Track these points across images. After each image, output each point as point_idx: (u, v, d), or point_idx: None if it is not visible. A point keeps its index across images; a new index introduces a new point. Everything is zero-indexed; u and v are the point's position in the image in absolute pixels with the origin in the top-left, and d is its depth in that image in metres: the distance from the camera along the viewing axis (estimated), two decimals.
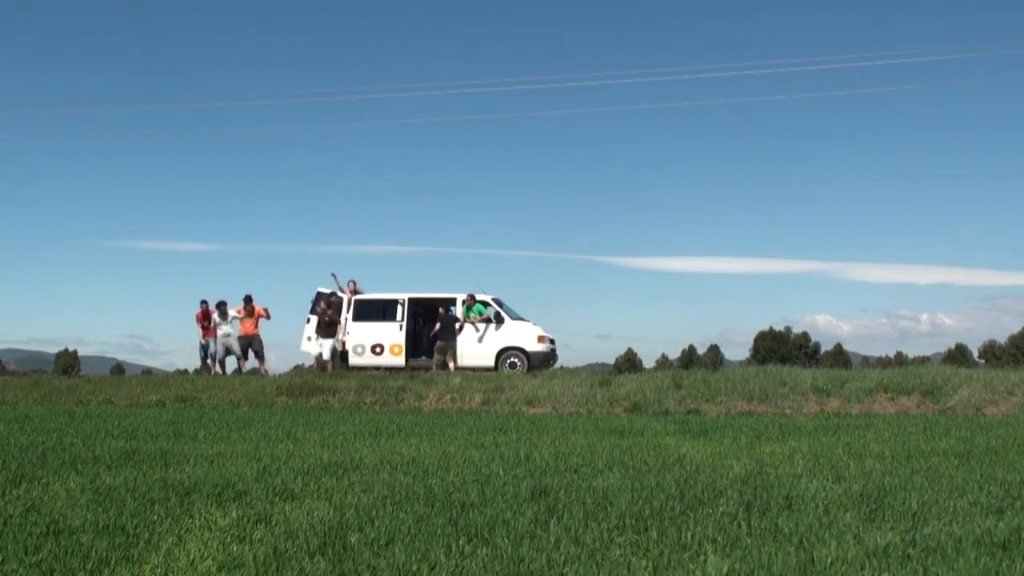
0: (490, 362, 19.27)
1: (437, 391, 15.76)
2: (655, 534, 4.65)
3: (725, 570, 4.02)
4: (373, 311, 19.97)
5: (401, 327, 19.68)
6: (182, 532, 4.79)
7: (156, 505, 5.47)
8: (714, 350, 79.56)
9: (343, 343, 19.77)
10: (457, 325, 19.55)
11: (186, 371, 21.57)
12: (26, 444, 8.64)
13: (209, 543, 4.52)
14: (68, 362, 74.51)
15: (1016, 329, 74.06)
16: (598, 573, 4.02)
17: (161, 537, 4.66)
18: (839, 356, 72.48)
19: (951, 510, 5.27)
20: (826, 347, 77.20)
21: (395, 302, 19.98)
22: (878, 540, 4.48)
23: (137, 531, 4.75)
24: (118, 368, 78.77)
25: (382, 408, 14.98)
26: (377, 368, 19.02)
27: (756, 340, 76.47)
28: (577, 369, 20.47)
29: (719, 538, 4.55)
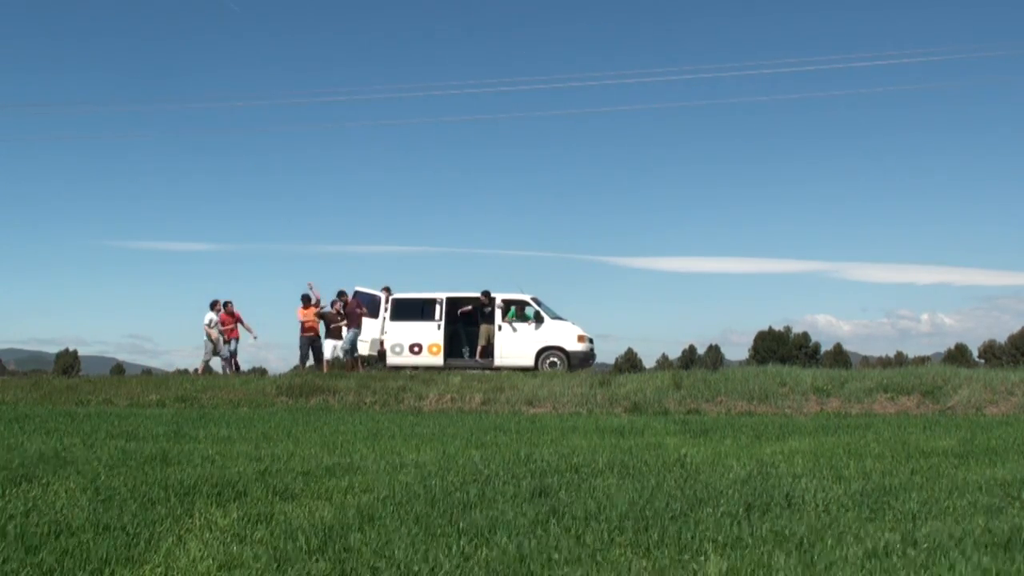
0: (530, 361, 19.10)
1: (437, 391, 15.77)
2: (656, 534, 4.65)
3: (725, 570, 4.02)
4: (411, 310, 19.84)
5: (439, 326, 19.56)
6: (182, 532, 4.79)
7: (156, 505, 5.47)
8: (714, 350, 79.41)
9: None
10: (498, 326, 19.44)
11: (186, 371, 21.58)
12: (26, 444, 8.64)
13: (209, 543, 4.52)
14: (68, 362, 74.40)
15: (1016, 329, 73.97)
16: (599, 573, 4.02)
17: (161, 537, 4.66)
18: (839, 356, 72.35)
19: (951, 510, 5.27)
20: (826, 347, 77.06)
21: (433, 301, 19.85)
22: (878, 540, 4.48)
23: (137, 531, 4.75)
24: (118, 368, 78.63)
25: (382, 408, 14.98)
26: (415, 368, 18.92)
27: (756, 340, 76.34)
28: (577, 369, 20.44)
29: (719, 538, 4.56)
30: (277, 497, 5.80)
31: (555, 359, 19.13)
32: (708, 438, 9.57)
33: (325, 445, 8.81)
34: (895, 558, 4.17)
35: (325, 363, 19.66)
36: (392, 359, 19.58)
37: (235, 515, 5.17)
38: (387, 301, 20.01)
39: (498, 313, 19.56)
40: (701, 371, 18.01)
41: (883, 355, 75.70)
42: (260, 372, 22.22)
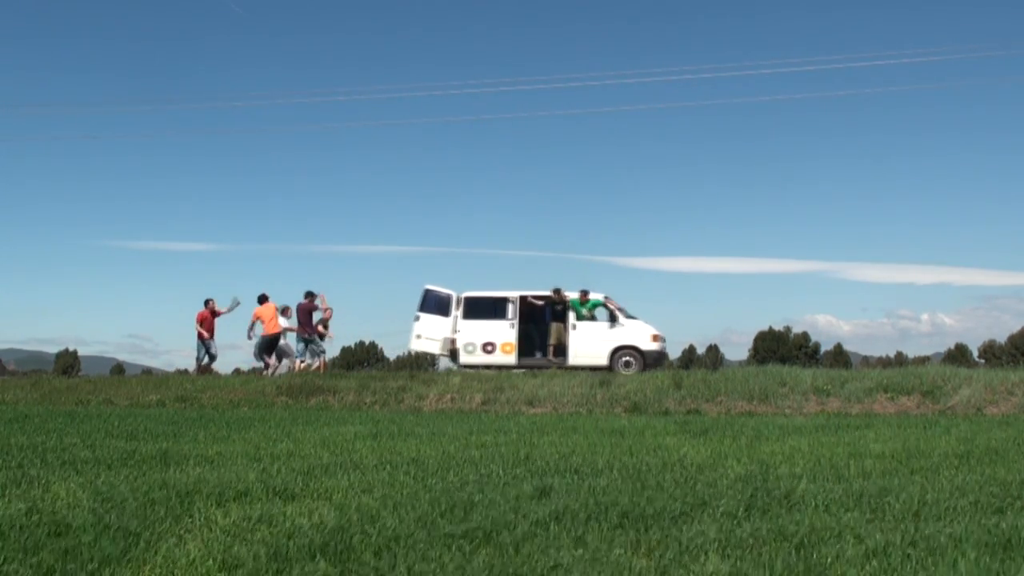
0: (604, 361, 18.79)
1: (437, 391, 15.77)
2: (656, 534, 4.65)
3: (726, 570, 4.02)
4: (484, 309, 19.65)
5: (512, 325, 19.33)
6: (182, 532, 4.79)
7: (156, 505, 5.46)
8: (714, 350, 79.51)
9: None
10: (572, 325, 19.13)
11: (186, 371, 21.59)
12: (26, 444, 8.64)
13: (210, 543, 4.52)
14: (68, 362, 74.53)
15: (1016, 329, 74.06)
16: (600, 574, 4.02)
17: (161, 537, 4.65)
18: (839, 356, 72.45)
19: (951, 510, 5.27)
20: (826, 347, 77.20)
21: (506, 300, 19.64)
22: (879, 540, 4.48)
23: (137, 531, 4.74)
24: (118, 368, 78.78)
25: (382, 408, 14.98)
26: (488, 367, 18.76)
27: (756, 340, 76.40)
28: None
29: (720, 538, 4.55)
30: (277, 497, 5.80)
31: (629, 359, 18.79)
32: (708, 438, 9.57)
33: (325, 445, 8.81)
34: (895, 558, 4.17)
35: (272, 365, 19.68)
36: (465, 358, 19.33)
37: (235, 515, 5.16)
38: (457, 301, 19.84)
39: (571, 313, 19.22)
40: (701, 371, 18.01)
41: (883, 355, 75.92)
42: (260, 372, 22.21)
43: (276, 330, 19.42)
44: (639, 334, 19.12)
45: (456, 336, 19.46)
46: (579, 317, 19.19)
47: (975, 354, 72.38)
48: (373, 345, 74.14)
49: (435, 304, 19.77)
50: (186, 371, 21.88)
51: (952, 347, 74.99)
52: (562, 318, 19.40)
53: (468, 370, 18.78)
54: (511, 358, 19.20)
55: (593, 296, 19.41)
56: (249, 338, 19.61)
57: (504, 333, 19.34)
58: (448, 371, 19.15)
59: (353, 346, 73.53)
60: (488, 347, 19.28)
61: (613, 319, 19.17)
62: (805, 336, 77.75)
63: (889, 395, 14.50)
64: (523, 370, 18.39)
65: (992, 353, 70.41)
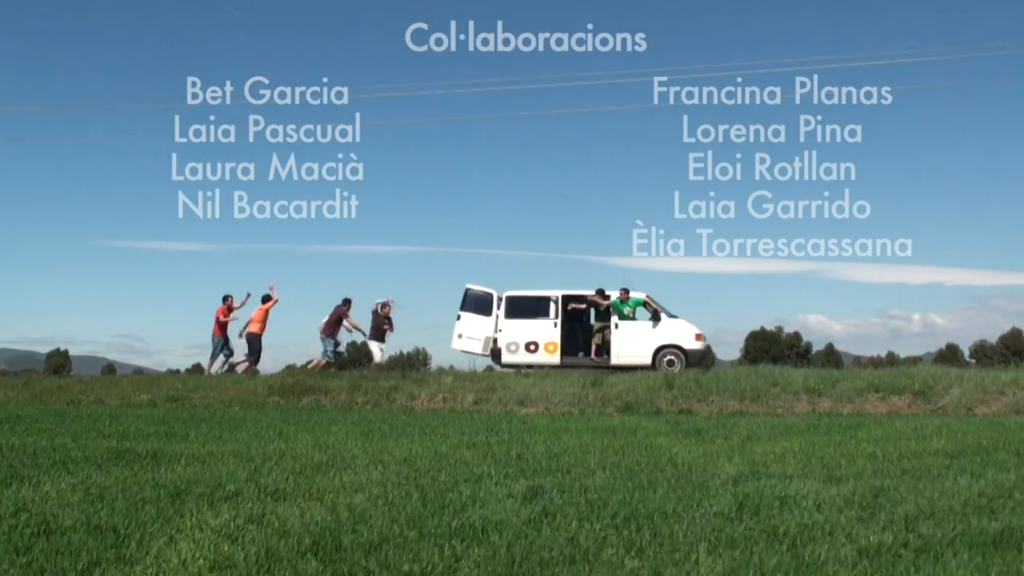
0: (647, 360, 18.70)
1: (429, 391, 15.74)
2: (648, 534, 4.65)
3: (718, 570, 4.02)
4: (526, 308, 19.52)
5: (556, 324, 19.26)
6: (173, 532, 4.77)
7: (147, 505, 5.44)
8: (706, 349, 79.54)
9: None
10: (614, 324, 19.05)
11: (178, 371, 21.55)
12: (17, 444, 8.59)
13: (201, 543, 4.50)
14: (59, 362, 74.07)
15: (1007, 329, 74.23)
16: (592, 574, 4.02)
17: (152, 537, 4.63)
18: (831, 356, 72.51)
19: (943, 510, 5.29)
20: (818, 347, 77.19)
21: (548, 299, 19.53)
22: (870, 540, 4.49)
23: (128, 531, 4.73)
24: (109, 368, 78.28)
25: (374, 408, 14.94)
26: (530, 366, 18.64)
27: (747, 340, 76.37)
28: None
29: (712, 538, 4.56)
30: (268, 497, 5.78)
31: (672, 357, 18.74)
32: (700, 438, 9.57)
33: (317, 445, 8.78)
34: (887, 558, 4.18)
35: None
36: (507, 357, 19.17)
37: (226, 515, 5.15)
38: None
39: (613, 312, 19.19)
40: (693, 371, 18.02)
41: (875, 355, 75.86)
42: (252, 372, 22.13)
43: (255, 330, 19.38)
44: (682, 333, 19.06)
45: (498, 335, 19.33)
46: (621, 316, 19.17)
47: (966, 354, 72.48)
48: (365, 345, 73.99)
49: (476, 303, 19.65)
50: (178, 371, 21.78)
51: (943, 347, 74.96)
52: (605, 318, 19.39)
53: (510, 369, 18.77)
54: (554, 358, 19.11)
55: (634, 295, 19.36)
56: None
57: (548, 332, 19.26)
58: (440, 371, 19.10)
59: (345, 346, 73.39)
60: (531, 346, 19.18)
61: (656, 318, 19.11)
62: (796, 336, 77.72)
63: (880, 395, 14.53)
64: (568, 369, 18.30)
65: (983, 353, 70.56)
